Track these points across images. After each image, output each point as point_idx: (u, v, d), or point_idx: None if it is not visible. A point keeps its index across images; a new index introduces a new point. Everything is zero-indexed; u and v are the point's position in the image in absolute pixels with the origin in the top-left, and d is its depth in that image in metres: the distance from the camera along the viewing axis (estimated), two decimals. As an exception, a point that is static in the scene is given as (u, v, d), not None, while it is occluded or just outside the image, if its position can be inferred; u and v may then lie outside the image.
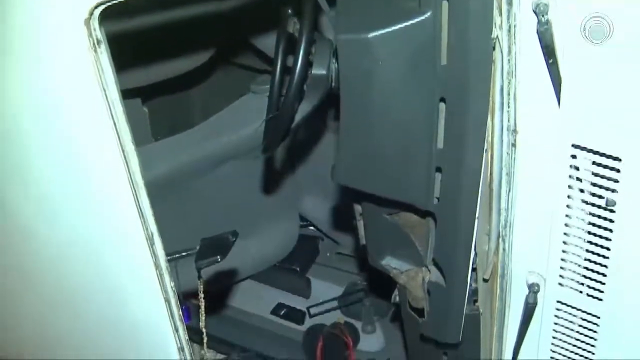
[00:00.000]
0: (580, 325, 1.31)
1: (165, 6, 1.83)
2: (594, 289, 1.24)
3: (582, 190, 1.16)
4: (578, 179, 1.15)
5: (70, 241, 1.45)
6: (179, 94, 2.84)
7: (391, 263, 1.47)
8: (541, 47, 1.04)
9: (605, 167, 1.11)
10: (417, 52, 1.08)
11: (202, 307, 1.51)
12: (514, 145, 1.17)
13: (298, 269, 2.70)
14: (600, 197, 1.14)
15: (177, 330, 1.48)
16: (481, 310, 1.42)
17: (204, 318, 1.52)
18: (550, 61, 1.04)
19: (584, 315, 1.29)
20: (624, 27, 0.98)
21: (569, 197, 1.18)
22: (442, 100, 1.13)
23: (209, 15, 1.97)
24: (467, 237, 1.22)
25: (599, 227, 1.17)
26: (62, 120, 1.26)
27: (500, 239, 1.29)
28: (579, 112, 1.08)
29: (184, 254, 1.86)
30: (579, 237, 1.21)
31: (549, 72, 1.06)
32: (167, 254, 1.40)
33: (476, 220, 1.20)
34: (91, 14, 1.12)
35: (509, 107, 1.14)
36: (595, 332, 1.29)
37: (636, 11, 0.96)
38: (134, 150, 1.25)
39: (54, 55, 1.18)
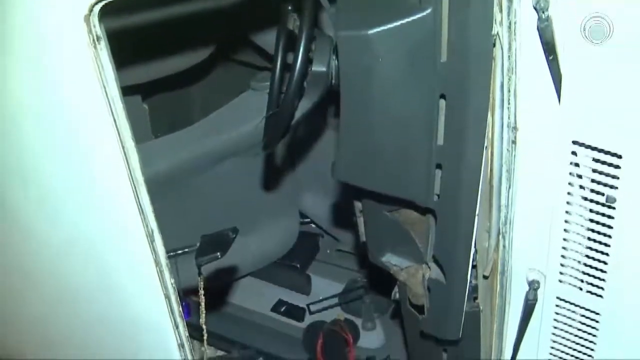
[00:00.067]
0: (580, 322, 1.31)
1: (165, 3, 1.83)
2: (594, 285, 1.24)
3: (582, 187, 1.16)
4: (578, 175, 1.15)
5: (70, 238, 1.45)
6: (179, 90, 2.83)
7: (391, 260, 1.47)
8: (541, 43, 1.04)
9: (606, 163, 1.11)
10: (417, 49, 1.08)
11: (202, 304, 1.51)
12: (514, 142, 1.17)
13: (298, 266, 2.70)
14: (600, 193, 1.14)
15: (177, 327, 1.48)
16: (481, 307, 1.42)
17: (204, 315, 1.52)
18: (551, 58, 1.04)
19: (584, 312, 1.29)
20: (624, 27, 0.97)
21: (569, 193, 1.17)
22: (443, 96, 1.12)
23: (209, 12, 1.97)
24: (467, 234, 1.22)
25: (599, 223, 1.17)
26: (62, 117, 1.26)
27: (501, 236, 1.29)
28: (579, 109, 1.08)
29: (184, 250, 1.86)
30: (579, 234, 1.20)
31: (549, 69, 1.06)
32: (167, 251, 1.40)
33: (476, 217, 1.20)
34: (91, 10, 1.11)
35: (509, 103, 1.14)
36: (595, 329, 1.29)
37: (636, 11, 0.96)
38: (134, 147, 1.25)
39: (54, 52, 1.18)
